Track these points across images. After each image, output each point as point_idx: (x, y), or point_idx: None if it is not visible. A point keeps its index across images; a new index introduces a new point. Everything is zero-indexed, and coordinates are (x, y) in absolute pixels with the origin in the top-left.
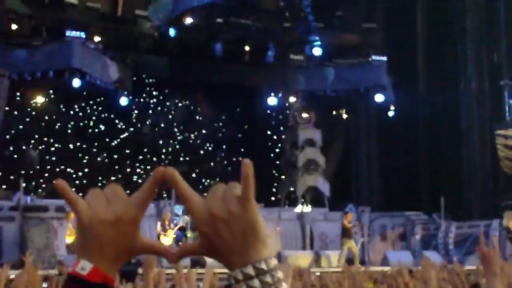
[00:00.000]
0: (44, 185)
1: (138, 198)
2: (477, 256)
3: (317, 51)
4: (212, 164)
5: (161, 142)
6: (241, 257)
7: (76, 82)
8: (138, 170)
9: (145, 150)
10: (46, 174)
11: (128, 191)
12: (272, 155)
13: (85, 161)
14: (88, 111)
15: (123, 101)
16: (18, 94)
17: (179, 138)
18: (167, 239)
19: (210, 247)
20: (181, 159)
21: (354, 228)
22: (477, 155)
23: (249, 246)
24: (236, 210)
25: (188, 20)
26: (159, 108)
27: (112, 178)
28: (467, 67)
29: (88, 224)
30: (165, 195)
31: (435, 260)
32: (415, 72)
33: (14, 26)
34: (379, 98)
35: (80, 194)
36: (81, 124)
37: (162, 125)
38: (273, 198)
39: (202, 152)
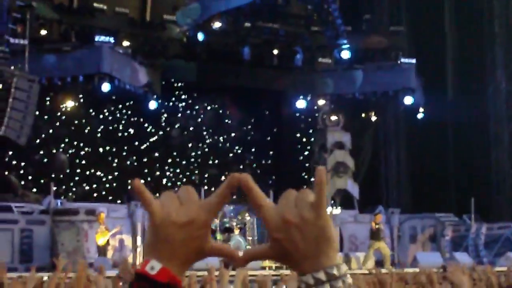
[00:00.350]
0: (74, 189)
1: (211, 202)
2: (507, 257)
3: (345, 54)
4: (241, 167)
5: (190, 145)
6: (312, 263)
7: (106, 87)
8: (167, 173)
9: (174, 153)
10: (76, 178)
11: (157, 194)
12: (301, 158)
13: (114, 164)
14: (118, 115)
15: (152, 105)
16: (48, 99)
17: (208, 141)
18: None
19: (282, 252)
20: (210, 162)
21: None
22: (506, 157)
23: (321, 252)
24: (309, 217)
25: (216, 25)
26: (187, 111)
27: (142, 181)
28: (496, 70)
29: (160, 224)
30: None
31: (465, 261)
32: (444, 75)
33: (43, 32)
34: (408, 100)
35: (111, 198)
36: (111, 128)
37: (191, 128)
38: None
39: (231, 155)
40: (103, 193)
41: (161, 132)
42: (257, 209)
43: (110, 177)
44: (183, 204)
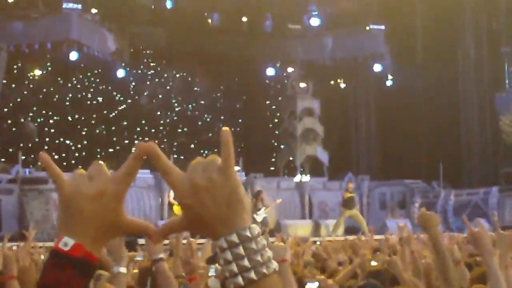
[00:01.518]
0: None
1: (121, 173)
2: (476, 223)
3: (315, 22)
4: (210, 134)
5: (159, 113)
6: (225, 226)
7: (73, 55)
8: (136, 141)
9: (143, 121)
10: (45, 147)
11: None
12: (270, 125)
13: (83, 133)
14: (86, 83)
15: (120, 73)
16: (15, 67)
17: (177, 109)
18: (178, 209)
19: (194, 219)
20: (179, 130)
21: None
22: (476, 123)
23: (233, 214)
24: (218, 178)
25: None
26: (156, 79)
27: (110, 150)
28: (465, 34)
29: (70, 198)
30: None
31: None
32: (413, 41)
33: None
34: (377, 68)
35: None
36: (79, 96)
37: (160, 96)
38: (272, 168)
39: (200, 123)
40: (73, 162)
41: (129, 100)
42: (165, 177)
43: (79, 146)
44: (93, 178)
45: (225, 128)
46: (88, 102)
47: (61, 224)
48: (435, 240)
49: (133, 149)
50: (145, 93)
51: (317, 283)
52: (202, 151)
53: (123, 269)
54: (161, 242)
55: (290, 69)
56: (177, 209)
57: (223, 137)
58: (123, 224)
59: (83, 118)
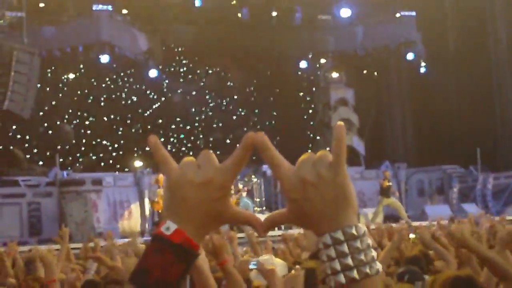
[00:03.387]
0: (80, 160)
1: (229, 164)
2: None
3: (345, 12)
4: (245, 129)
5: (193, 110)
6: (331, 223)
7: (105, 58)
8: (171, 139)
9: (178, 119)
10: (82, 148)
11: None
12: (305, 117)
13: (119, 133)
14: (120, 83)
15: (153, 73)
16: (49, 71)
17: (211, 105)
18: None
19: (299, 213)
20: (214, 126)
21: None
22: (510, 106)
23: (339, 211)
24: (327, 175)
25: None
26: (189, 76)
27: (147, 148)
28: (496, 20)
29: (177, 184)
30: None
31: (473, 212)
32: (444, 27)
33: (41, 4)
34: (409, 56)
35: (118, 166)
36: (113, 96)
37: (193, 93)
38: None
39: (234, 117)
40: (110, 162)
41: (163, 98)
42: (274, 170)
43: (116, 145)
44: (201, 167)
45: (340, 123)
46: (123, 102)
47: (166, 209)
48: (476, 251)
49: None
50: (179, 91)
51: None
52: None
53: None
54: (266, 233)
55: (322, 60)
56: (156, 206)
57: (336, 132)
58: (227, 214)
59: (118, 118)
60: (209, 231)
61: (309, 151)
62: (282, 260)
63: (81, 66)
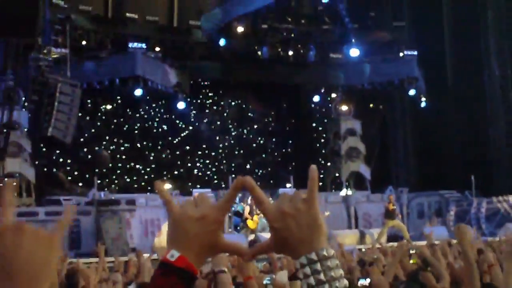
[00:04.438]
0: (116, 181)
1: (221, 201)
2: (506, 228)
3: (354, 53)
4: (264, 155)
5: (217, 138)
6: (306, 247)
7: (139, 91)
8: (198, 164)
9: (204, 146)
10: (118, 171)
11: (189, 183)
12: (317, 145)
13: (151, 158)
14: (152, 113)
15: (181, 105)
16: (89, 101)
17: (233, 133)
18: (252, 223)
19: (280, 241)
20: (236, 152)
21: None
22: (503, 136)
23: (313, 237)
24: (302, 207)
25: (236, 27)
26: (214, 107)
27: (175, 172)
28: (490, 57)
29: (178, 219)
30: (223, 186)
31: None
32: (443, 64)
33: (83, 42)
34: (411, 92)
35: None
36: (146, 125)
37: (218, 122)
38: (320, 184)
39: (254, 145)
40: (142, 184)
41: (191, 127)
42: (259, 205)
43: (148, 169)
44: (198, 205)
45: (313, 166)
46: (154, 130)
47: (169, 240)
48: (465, 252)
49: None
50: (205, 120)
51: (368, 279)
52: (256, 171)
53: (224, 268)
54: (252, 261)
55: (333, 95)
56: (250, 223)
57: (310, 173)
58: (221, 244)
59: (150, 144)
60: (207, 258)
61: (321, 176)
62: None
63: (118, 97)
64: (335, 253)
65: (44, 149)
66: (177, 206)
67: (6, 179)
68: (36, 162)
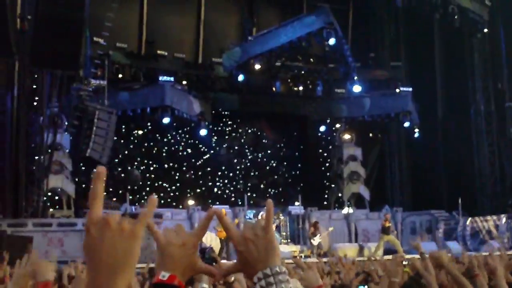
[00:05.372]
0: (146, 197)
1: (196, 229)
2: (489, 244)
3: (356, 89)
4: (275, 177)
5: (235, 161)
6: (262, 264)
7: (166, 120)
8: (217, 183)
9: (223, 167)
10: (147, 189)
11: (210, 200)
12: (323, 168)
13: (176, 177)
14: (178, 138)
15: (203, 132)
16: (123, 126)
17: (249, 157)
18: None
19: (243, 261)
20: (251, 173)
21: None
22: (487, 163)
23: (268, 257)
24: (260, 233)
25: (253, 65)
26: (233, 134)
27: (198, 190)
28: (476, 94)
29: (165, 246)
30: (240, 203)
31: (455, 249)
32: (434, 99)
33: (119, 75)
34: (406, 124)
35: (174, 204)
36: (173, 148)
37: (236, 147)
38: (325, 203)
39: (267, 168)
40: (168, 200)
41: (212, 151)
42: (227, 231)
43: (173, 187)
44: (178, 234)
45: (269, 200)
46: (180, 153)
47: (158, 264)
48: (452, 274)
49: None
50: (224, 146)
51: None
52: (269, 190)
53: (205, 285)
54: (222, 279)
55: (337, 125)
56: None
57: (267, 206)
58: (197, 266)
59: (176, 165)
60: (189, 276)
61: (325, 196)
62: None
63: (148, 124)
64: (287, 270)
65: (83, 168)
66: (162, 236)
67: (98, 166)
68: (76, 179)
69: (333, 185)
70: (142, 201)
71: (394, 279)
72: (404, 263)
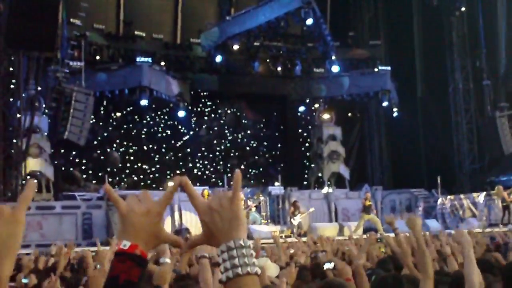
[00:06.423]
0: (125, 179)
1: (162, 198)
2: (468, 222)
3: (335, 68)
4: (256, 157)
5: (215, 142)
6: (226, 236)
7: (144, 101)
8: (197, 164)
9: (203, 148)
10: (127, 171)
11: (191, 182)
12: (302, 148)
13: (156, 159)
14: (157, 119)
15: (181, 113)
16: (101, 108)
17: (229, 138)
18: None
19: (208, 232)
20: (231, 154)
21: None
22: (465, 141)
23: (233, 229)
24: (225, 204)
25: (232, 45)
26: (212, 115)
27: (178, 172)
28: (455, 72)
29: (126, 214)
30: (220, 184)
31: (434, 227)
32: (413, 78)
33: (95, 55)
34: (385, 103)
35: (154, 185)
36: (152, 130)
37: (215, 128)
38: (305, 182)
39: (248, 148)
40: (148, 182)
41: (191, 132)
42: (191, 200)
43: (153, 169)
44: (142, 201)
45: (237, 170)
46: (159, 135)
47: (120, 233)
48: (417, 238)
49: (172, 180)
50: (203, 126)
51: (333, 263)
52: (250, 170)
53: (168, 260)
54: (188, 251)
55: (316, 105)
56: None
57: (235, 176)
58: (161, 235)
59: (155, 147)
60: (153, 246)
61: (305, 176)
62: (274, 263)
63: (127, 105)
64: (251, 244)
65: (62, 150)
66: (124, 203)
67: (29, 177)
68: (55, 162)
69: (313, 165)
70: (122, 183)
71: (357, 261)
72: (378, 241)
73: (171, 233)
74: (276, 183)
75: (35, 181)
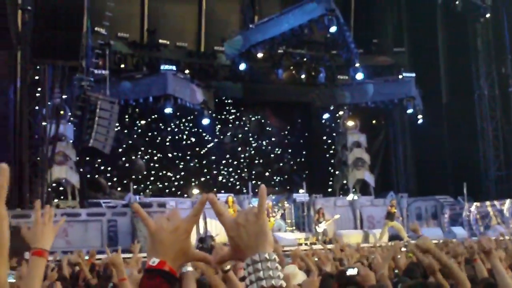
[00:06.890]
0: (150, 187)
1: (189, 215)
2: (495, 229)
3: (359, 76)
4: (280, 164)
5: (239, 149)
6: (252, 250)
7: (168, 109)
8: (222, 172)
9: (227, 156)
10: (152, 178)
11: (215, 189)
12: (327, 155)
13: (181, 166)
14: (181, 127)
15: (206, 121)
16: (126, 116)
17: (253, 145)
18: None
19: (235, 247)
20: (256, 161)
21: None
22: (491, 149)
23: (258, 243)
24: (252, 219)
25: (256, 53)
26: (236, 122)
27: (202, 179)
28: (480, 79)
29: (155, 232)
30: (244, 191)
31: (461, 234)
32: (438, 85)
33: (120, 64)
34: (409, 111)
35: (179, 193)
36: (176, 137)
37: (240, 135)
38: (330, 190)
39: (272, 155)
40: (173, 189)
41: (216, 140)
42: (218, 217)
43: (177, 176)
44: (170, 219)
45: (263, 186)
46: (183, 142)
47: (149, 250)
48: (439, 257)
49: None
50: (228, 134)
51: (356, 269)
52: (274, 178)
53: (190, 268)
54: (217, 267)
55: (341, 112)
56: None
57: (260, 192)
58: (189, 252)
59: (180, 155)
60: (181, 263)
61: (330, 183)
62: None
63: (151, 113)
64: (276, 257)
65: (87, 158)
66: (152, 222)
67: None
68: (81, 170)
69: (337, 172)
70: (147, 190)
71: (381, 271)
72: (403, 249)
73: (197, 250)
74: (301, 190)
75: (5, 164)
